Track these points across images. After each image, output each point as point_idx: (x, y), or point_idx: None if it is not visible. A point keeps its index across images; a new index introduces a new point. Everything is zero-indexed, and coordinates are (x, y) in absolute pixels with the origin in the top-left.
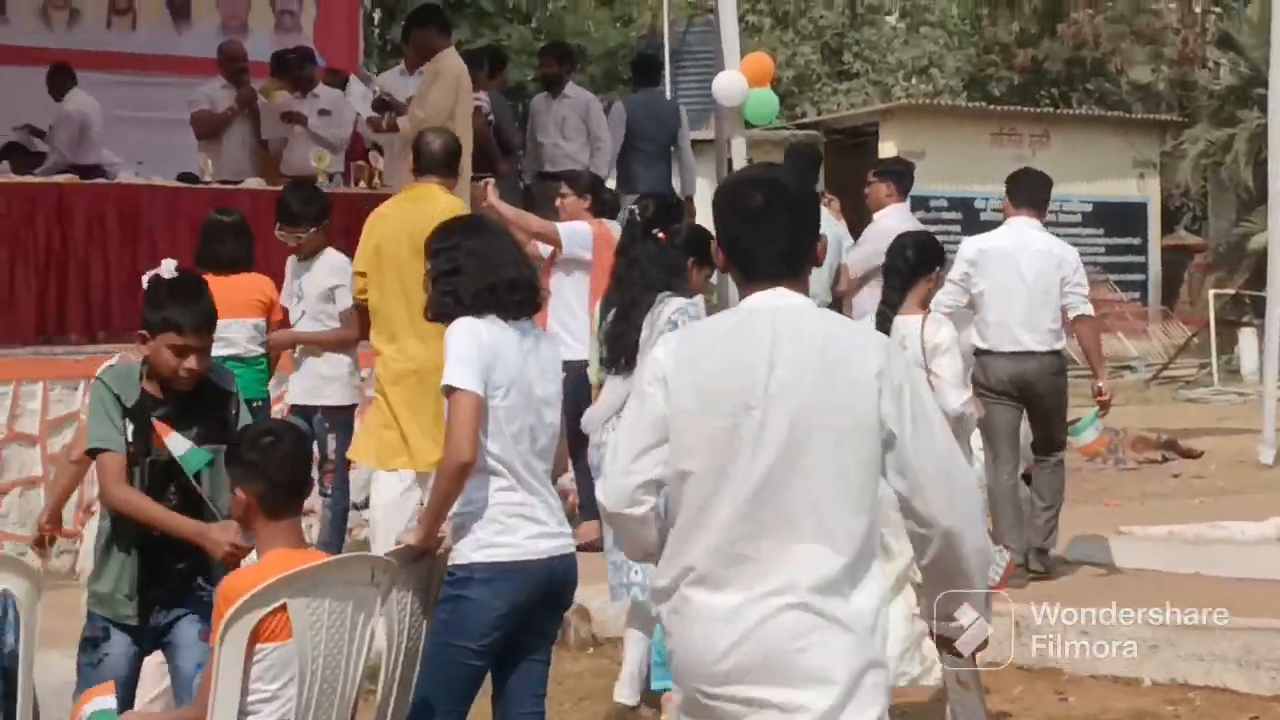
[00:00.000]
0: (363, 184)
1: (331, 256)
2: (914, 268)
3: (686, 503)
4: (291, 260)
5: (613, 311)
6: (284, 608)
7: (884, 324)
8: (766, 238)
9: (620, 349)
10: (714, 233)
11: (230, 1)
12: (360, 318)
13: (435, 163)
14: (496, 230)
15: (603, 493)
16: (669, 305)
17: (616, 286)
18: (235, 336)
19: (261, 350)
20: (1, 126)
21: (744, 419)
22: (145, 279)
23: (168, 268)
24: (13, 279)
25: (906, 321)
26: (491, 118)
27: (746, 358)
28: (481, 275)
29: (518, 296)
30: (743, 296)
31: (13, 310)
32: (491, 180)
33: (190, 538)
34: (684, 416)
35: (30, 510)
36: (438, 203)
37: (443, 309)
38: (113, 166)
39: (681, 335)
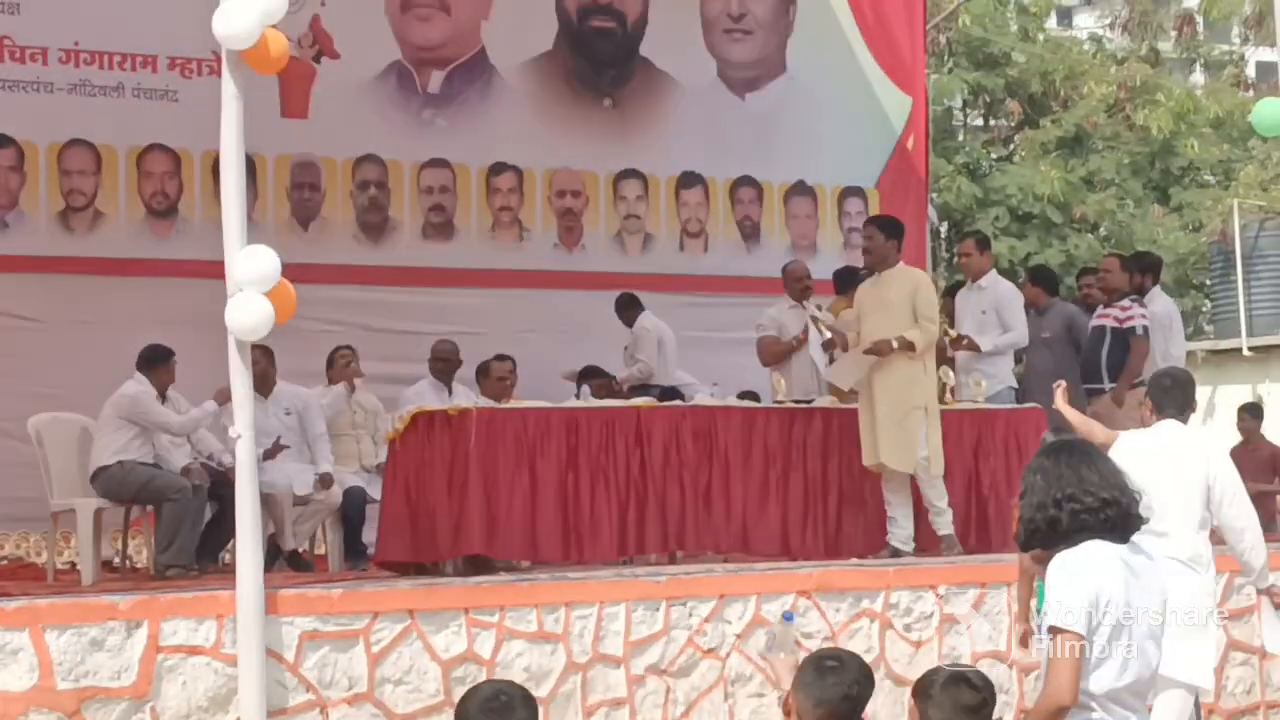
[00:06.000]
0: None
1: None
2: None
3: None
4: None
5: None
6: None
7: None
8: None
9: None
10: None
11: (799, 222)
12: None
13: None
14: (1074, 449)
15: None
16: None
17: None
18: None
19: None
20: (578, 349)
21: None
22: None
23: None
24: (593, 501)
25: None
26: None
27: None
28: (1046, 495)
29: (1102, 516)
30: None
31: (595, 532)
32: (1062, 385)
33: None
34: None
35: None
36: None
37: (1030, 537)
38: (687, 387)
39: None
